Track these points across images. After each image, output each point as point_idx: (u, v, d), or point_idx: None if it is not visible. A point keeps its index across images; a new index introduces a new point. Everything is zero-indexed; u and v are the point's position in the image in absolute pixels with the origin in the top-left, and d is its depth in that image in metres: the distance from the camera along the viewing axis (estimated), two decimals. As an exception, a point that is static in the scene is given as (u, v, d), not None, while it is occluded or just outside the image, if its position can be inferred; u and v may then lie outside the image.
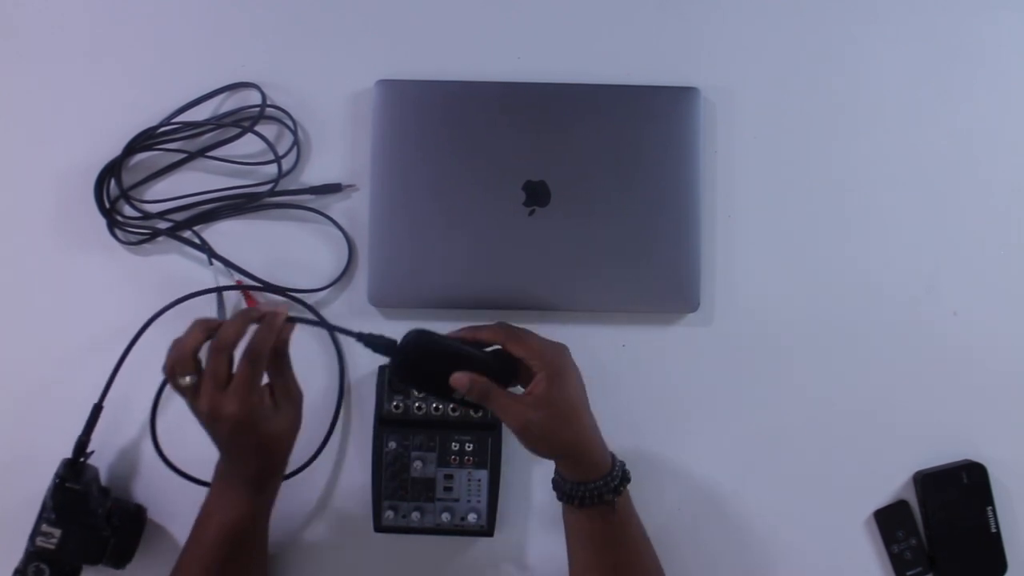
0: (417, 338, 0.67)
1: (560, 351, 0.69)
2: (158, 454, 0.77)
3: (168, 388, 0.77)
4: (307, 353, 0.79)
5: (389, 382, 0.76)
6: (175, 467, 0.77)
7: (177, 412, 0.78)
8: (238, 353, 0.64)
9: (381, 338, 0.67)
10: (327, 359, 0.80)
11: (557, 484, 0.70)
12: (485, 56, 0.81)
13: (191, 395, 0.63)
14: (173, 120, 0.80)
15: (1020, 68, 0.83)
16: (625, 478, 0.69)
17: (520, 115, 0.79)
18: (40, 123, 0.81)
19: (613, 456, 0.70)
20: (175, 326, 0.66)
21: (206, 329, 0.64)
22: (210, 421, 0.64)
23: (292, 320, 0.66)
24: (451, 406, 0.76)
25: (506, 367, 0.69)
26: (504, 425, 0.70)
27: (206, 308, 0.79)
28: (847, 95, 0.82)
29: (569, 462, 0.68)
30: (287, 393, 0.68)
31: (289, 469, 0.77)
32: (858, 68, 0.82)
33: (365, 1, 0.82)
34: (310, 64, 0.81)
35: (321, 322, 0.76)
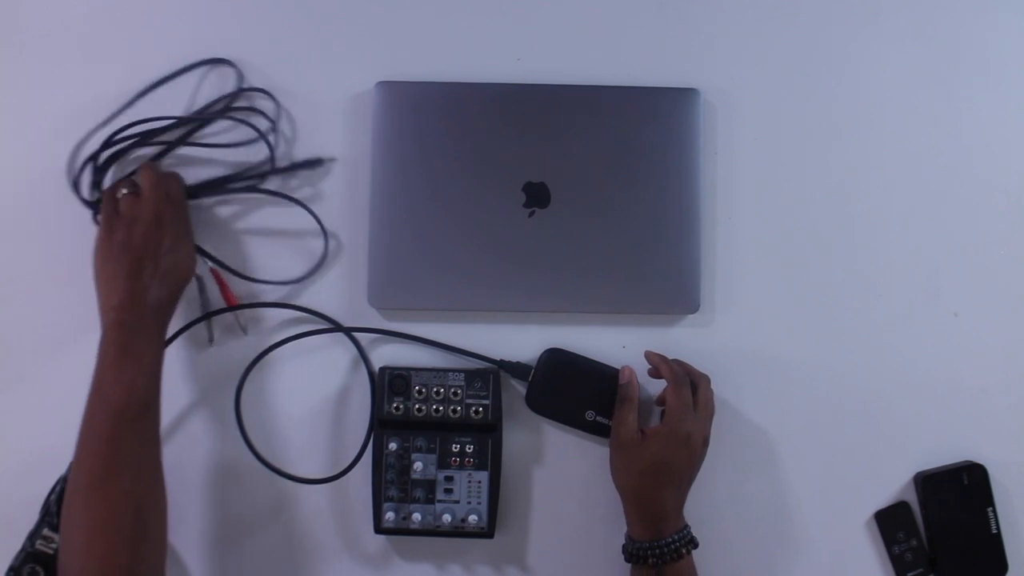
0: (553, 355, 0.77)
1: (696, 427, 0.73)
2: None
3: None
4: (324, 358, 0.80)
5: (528, 400, 0.78)
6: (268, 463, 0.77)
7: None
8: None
9: (518, 364, 0.77)
10: (345, 364, 0.80)
11: (624, 547, 0.74)
12: (485, 57, 0.81)
13: (130, 201, 0.71)
14: (167, 116, 0.79)
15: (1020, 69, 0.83)
16: (675, 547, 0.71)
17: (520, 116, 0.79)
18: (36, 120, 0.80)
19: (684, 528, 0.73)
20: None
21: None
22: (155, 220, 0.70)
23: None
24: (452, 408, 0.76)
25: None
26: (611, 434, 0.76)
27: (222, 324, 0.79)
28: (847, 96, 0.82)
29: (633, 510, 0.73)
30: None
31: (323, 475, 0.77)
32: (858, 70, 0.82)
33: (365, 2, 0.82)
34: (310, 65, 0.81)
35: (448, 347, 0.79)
